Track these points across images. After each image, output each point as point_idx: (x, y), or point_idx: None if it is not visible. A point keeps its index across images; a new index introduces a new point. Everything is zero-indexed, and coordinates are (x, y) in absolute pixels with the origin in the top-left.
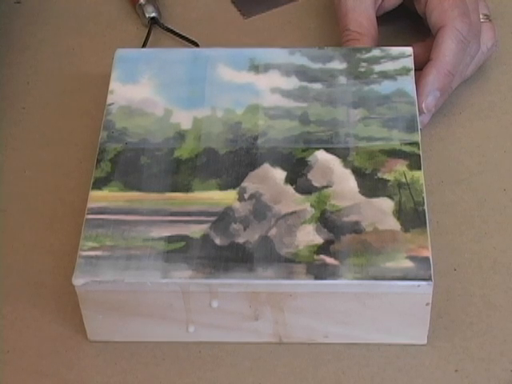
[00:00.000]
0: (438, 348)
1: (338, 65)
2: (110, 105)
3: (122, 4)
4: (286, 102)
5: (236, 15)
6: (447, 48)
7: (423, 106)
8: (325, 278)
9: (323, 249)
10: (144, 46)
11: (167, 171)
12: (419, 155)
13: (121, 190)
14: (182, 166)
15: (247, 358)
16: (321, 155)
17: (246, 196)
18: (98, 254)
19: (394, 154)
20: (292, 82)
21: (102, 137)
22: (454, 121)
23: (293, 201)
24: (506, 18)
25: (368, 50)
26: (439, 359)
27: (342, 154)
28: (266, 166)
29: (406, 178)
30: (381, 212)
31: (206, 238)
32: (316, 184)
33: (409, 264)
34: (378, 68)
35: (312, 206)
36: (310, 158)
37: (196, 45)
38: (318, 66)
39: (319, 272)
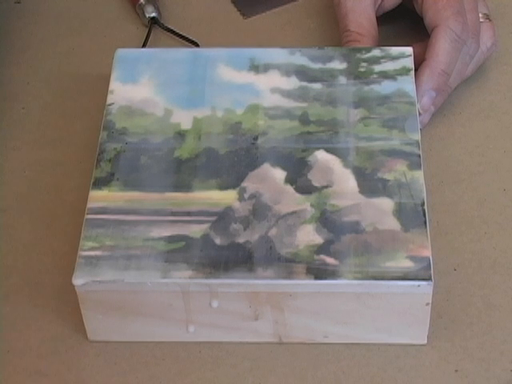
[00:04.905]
0: (438, 348)
1: (338, 65)
2: (109, 105)
3: (122, 4)
4: (286, 102)
5: (236, 15)
6: (440, 47)
7: (419, 106)
8: (325, 278)
9: (323, 249)
10: (144, 46)
11: (167, 171)
12: (419, 155)
13: (121, 189)
14: (182, 166)
15: (247, 358)
16: (321, 155)
17: (246, 196)
18: (98, 254)
19: (394, 153)
20: (292, 82)
21: (101, 137)
22: (454, 121)
23: (293, 201)
24: (506, 18)
25: (368, 50)
26: (439, 359)
27: (342, 153)
28: (266, 166)
29: (406, 177)
30: (381, 212)
31: (205, 237)
32: (316, 184)
33: (409, 264)
34: (377, 68)
35: (312, 205)
36: (310, 158)
37: (196, 45)
38: (317, 66)
39: (319, 272)
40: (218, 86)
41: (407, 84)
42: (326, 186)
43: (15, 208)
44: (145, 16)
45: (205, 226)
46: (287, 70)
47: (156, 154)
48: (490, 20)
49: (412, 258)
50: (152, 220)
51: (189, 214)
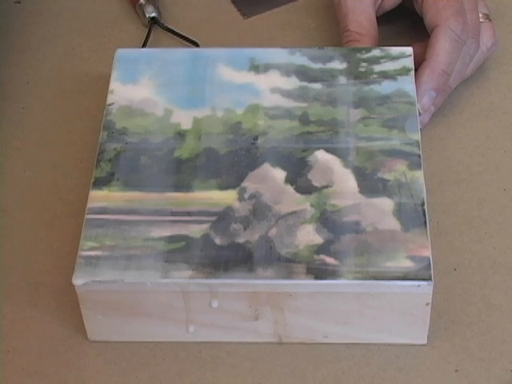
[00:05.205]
0: (438, 348)
1: (338, 65)
2: (110, 105)
3: (121, 4)
4: (286, 102)
5: (236, 15)
6: (440, 47)
7: (419, 106)
8: (325, 278)
9: (323, 249)
10: (144, 46)
11: (167, 171)
12: (419, 155)
13: (121, 189)
14: (182, 166)
15: (247, 358)
16: (321, 155)
17: (246, 196)
18: (98, 254)
19: (393, 153)
20: (292, 82)
21: (101, 137)
22: (454, 121)
23: (293, 201)
24: (506, 18)
25: (368, 50)
26: (439, 359)
27: (342, 153)
28: (266, 166)
29: (406, 177)
30: (381, 212)
31: (206, 237)
32: (316, 184)
33: (409, 264)
34: (377, 68)
35: (312, 205)
36: (310, 158)
37: (196, 45)
38: (318, 66)
39: (319, 272)
40: (218, 86)
41: (407, 84)
42: (326, 186)
43: (15, 208)
44: (145, 16)
45: (205, 226)
46: (287, 70)
47: (156, 154)
48: (490, 20)
49: (412, 258)
50: (152, 220)
51: (189, 214)
